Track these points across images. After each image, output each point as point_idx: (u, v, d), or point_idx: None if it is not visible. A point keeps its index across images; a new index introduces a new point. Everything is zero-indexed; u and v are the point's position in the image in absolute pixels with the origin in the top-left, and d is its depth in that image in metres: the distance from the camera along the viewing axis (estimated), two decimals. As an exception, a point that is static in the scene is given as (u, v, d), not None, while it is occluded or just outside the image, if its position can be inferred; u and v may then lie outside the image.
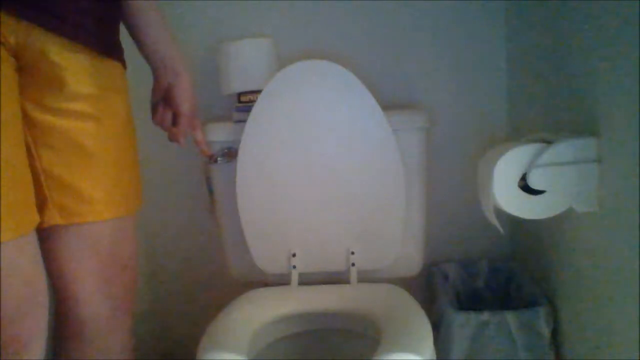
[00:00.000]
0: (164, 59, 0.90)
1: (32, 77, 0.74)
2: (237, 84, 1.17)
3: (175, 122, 0.94)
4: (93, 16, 0.77)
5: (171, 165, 1.37)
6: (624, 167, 0.77)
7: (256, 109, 1.09)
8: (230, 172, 1.14)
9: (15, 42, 0.71)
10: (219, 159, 1.15)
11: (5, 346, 0.69)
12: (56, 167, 0.77)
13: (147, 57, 0.91)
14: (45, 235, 0.79)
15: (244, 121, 1.12)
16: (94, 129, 0.79)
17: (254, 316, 0.97)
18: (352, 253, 1.13)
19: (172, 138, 0.96)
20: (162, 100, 0.93)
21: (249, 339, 0.91)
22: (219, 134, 1.15)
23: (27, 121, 0.74)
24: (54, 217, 0.78)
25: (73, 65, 0.76)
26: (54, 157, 0.77)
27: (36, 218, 0.73)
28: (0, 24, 0.68)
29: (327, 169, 1.10)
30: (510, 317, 1.04)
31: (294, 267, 1.13)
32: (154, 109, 0.95)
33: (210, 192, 1.22)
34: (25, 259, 0.70)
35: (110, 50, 0.82)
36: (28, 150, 0.74)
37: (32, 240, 0.72)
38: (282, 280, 1.15)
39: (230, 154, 1.15)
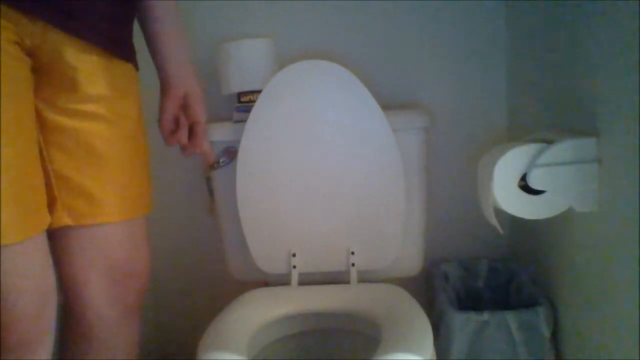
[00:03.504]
0: (180, 64, 0.90)
1: (45, 77, 0.74)
2: (237, 84, 1.17)
3: (190, 133, 0.93)
4: (108, 18, 0.77)
5: (171, 165, 1.37)
6: (624, 167, 0.77)
7: (256, 109, 1.09)
8: (230, 172, 1.14)
9: (31, 42, 0.71)
10: (220, 160, 1.15)
11: (14, 347, 0.69)
12: (66, 168, 0.77)
13: (161, 62, 0.90)
14: (54, 236, 0.79)
15: (244, 121, 1.12)
16: (105, 130, 0.79)
17: (254, 316, 0.97)
18: (352, 253, 1.13)
19: (190, 151, 0.94)
20: (180, 112, 0.92)
21: (249, 339, 0.91)
22: (219, 134, 1.15)
23: (39, 121, 0.74)
24: (62, 218, 0.78)
25: (87, 67, 0.76)
26: (65, 158, 0.77)
27: (47, 219, 0.73)
28: (17, 25, 0.69)
29: (327, 169, 1.10)
30: (510, 317, 1.04)
31: (294, 267, 1.13)
32: (168, 125, 0.92)
33: (211, 192, 1.22)
34: (35, 259, 0.70)
35: (123, 52, 0.82)
36: (39, 150, 0.74)
37: (42, 241, 0.72)
38: (282, 280, 1.15)
39: (231, 153, 1.15)
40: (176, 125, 0.93)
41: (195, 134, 0.93)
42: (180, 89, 0.90)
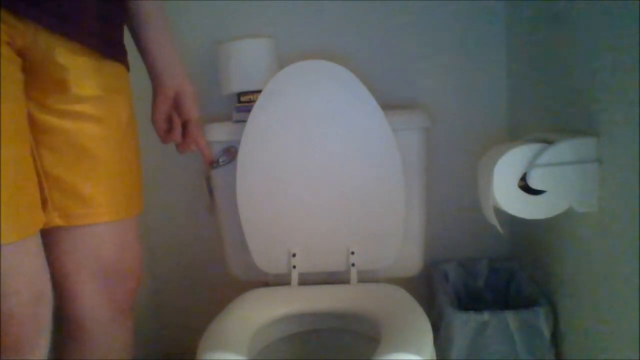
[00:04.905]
0: (169, 63, 0.90)
1: (36, 77, 0.74)
2: (237, 84, 1.17)
3: (183, 131, 0.94)
4: (98, 19, 0.77)
5: (171, 165, 1.37)
6: (624, 167, 0.77)
7: (256, 109, 1.09)
8: (230, 172, 1.14)
9: (22, 43, 0.71)
10: (220, 160, 1.15)
11: (10, 348, 0.69)
12: (57, 169, 0.77)
13: (150, 61, 0.90)
14: (45, 236, 0.79)
15: (244, 121, 1.12)
16: (96, 130, 0.79)
17: (254, 316, 0.97)
18: (352, 253, 1.13)
19: (184, 148, 0.96)
20: (173, 111, 0.93)
21: (249, 339, 0.91)
22: (219, 134, 1.15)
23: (30, 121, 0.74)
24: (53, 219, 0.78)
25: (77, 67, 0.76)
26: (55, 158, 0.77)
27: (41, 218, 0.73)
28: (8, 25, 0.69)
29: (327, 169, 1.10)
30: (510, 317, 1.04)
31: (294, 267, 1.13)
32: (161, 124, 0.94)
33: (210, 192, 1.22)
34: (30, 259, 0.70)
35: (114, 52, 0.82)
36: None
37: (37, 240, 0.72)
38: (282, 280, 1.15)
39: (231, 153, 1.15)
40: (170, 124, 0.94)
41: (188, 132, 0.94)
42: (171, 88, 0.91)
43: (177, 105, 0.93)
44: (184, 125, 0.94)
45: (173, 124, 0.94)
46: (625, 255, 0.78)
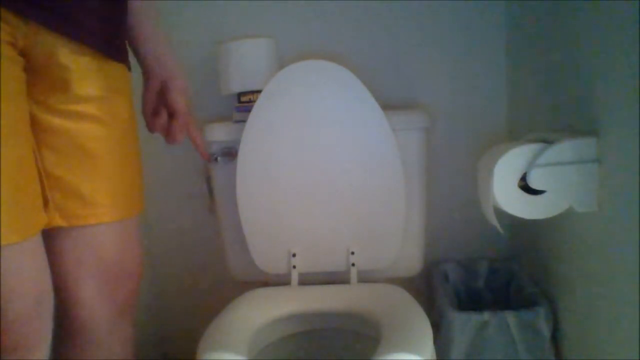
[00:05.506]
0: (158, 55, 0.90)
1: (38, 77, 0.74)
2: (237, 84, 1.17)
3: (170, 121, 0.92)
4: (100, 19, 0.77)
5: (171, 165, 1.37)
6: (624, 167, 0.77)
7: (256, 109, 1.09)
8: (230, 172, 1.14)
9: (24, 42, 0.71)
10: (219, 158, 1.15)
11: (11, 349, 0.69)
12: (58, 169, 0.77)
13: (140, 54, 0.90)
14: (46, 236, 0.79)
15: (244, 121, 1.12)
16: (98, 131, 0.79)
17: (254, 316, 0.97)
18: (352, 253, 1.13)
19: (170, 139, 0.94)
20: (159, 101, 0.93)
21: (249, 339, 0.91)
22: (219, 134, 1.15)
23: (32, 121, 0.74)
24: (54, 219, 0.78)
25: (79, 67, 0.76)
26: (57, 158, 0.77)
27: (43, 219, 0.73)
28: (10, 25, 0.69)
29: (327, 169, 1.10)
30: (510, 317, 1.04)
31: (294, 267, 1.13)
32: (150, 115, 0.93)
33: (210, 192, 1.22)
34: (32, 260, 0.70)
35: (116, 52, 0.82)
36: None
37: (38, 241, 0.72)
38: (282, 280, 1.15)
39: (230, 153, 1.15)
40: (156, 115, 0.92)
41: (173, 123, 0.91)
42: (157, 79, 0.90)
43: (163, 95, 0.92)
44: (171, 117, 0.93)
45: (159, 115, 0.92)
46: (625, 255, 0.78)
